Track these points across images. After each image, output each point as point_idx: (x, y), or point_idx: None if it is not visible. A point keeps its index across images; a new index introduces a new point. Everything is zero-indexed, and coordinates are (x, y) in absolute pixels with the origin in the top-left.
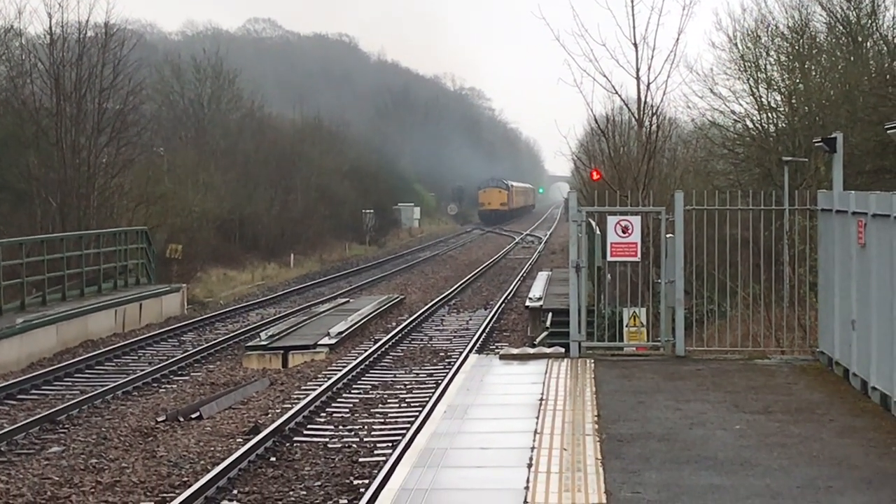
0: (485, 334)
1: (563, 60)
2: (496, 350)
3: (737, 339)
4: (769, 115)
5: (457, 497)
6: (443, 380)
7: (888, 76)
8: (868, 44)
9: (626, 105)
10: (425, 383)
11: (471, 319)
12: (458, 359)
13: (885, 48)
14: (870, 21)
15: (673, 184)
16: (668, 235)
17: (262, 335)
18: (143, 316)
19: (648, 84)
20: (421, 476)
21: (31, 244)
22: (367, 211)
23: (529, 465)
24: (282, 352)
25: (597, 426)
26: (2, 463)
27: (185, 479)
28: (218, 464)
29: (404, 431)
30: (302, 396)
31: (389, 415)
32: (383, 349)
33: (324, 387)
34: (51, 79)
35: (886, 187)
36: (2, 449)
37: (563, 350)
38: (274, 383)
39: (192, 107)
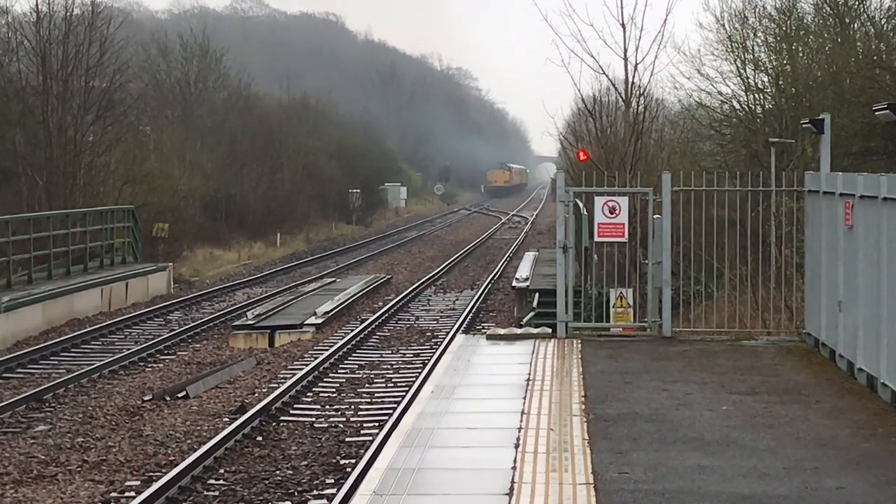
0: (471, 314)
1: (550, 40)
2: (483, 330)
3: (723, 320)
4: (756, 96)
5: (444, 477)
6: (430, 360)
7: (875, 58)
8: (855, 25)
9: (614, 85)
10: (412, 363)
11: (457, 299)
12: (444, 339)
13: (873, 30)
14: (857, 2)
15: (660, 164)
16: (655, 216)
17: (249, 314)
18: (129, 295)
19: (636, 65)
20: (408, 456)
21: (17, 222)
22: (354, 190)
23: (516, 446)
24: (268, 331)
25: (584, 406)
26: None
27: (172, 458)
28: (204, 443)
29: (391, 411)
30: (288, 376)
31: (376, 395)
32: (370, 329)
33: (310, 366)
34: (37, 57)
35: (873, 169)
36: None
37: (549, 330)
38: (260, 363)
39: (179, 85)
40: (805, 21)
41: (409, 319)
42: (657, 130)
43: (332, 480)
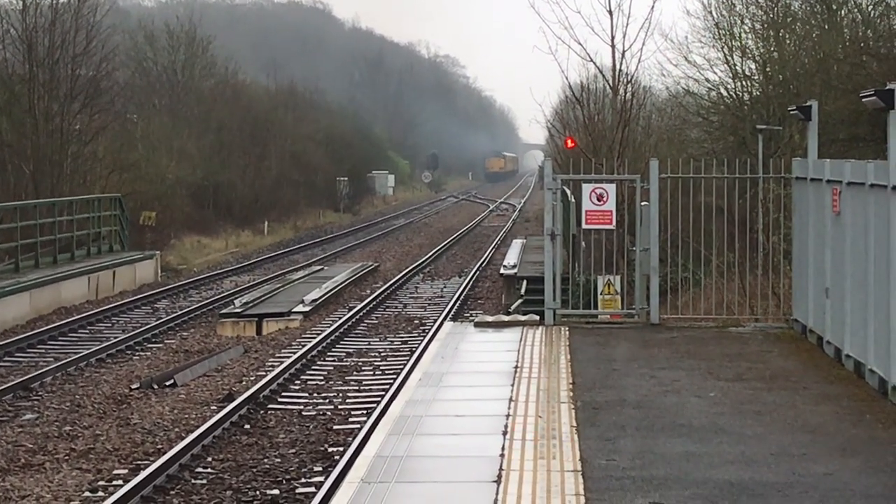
0: (459, 302)
1: (538, 28)
2: (471, 318)
3: (711, 307)
4: (743, 83)
5: (432, 464)
6: (417, 347)
7: (862, 44)
8: (842, 12)
9: (601, 73)
10: (400, 351)
11: (445, 287)
12: (432, 326)
13: (860, 16)
14: None
15: (647, 152)
16: (642, 203)
17: (237, 302)
18: (116, 283)
19: (623, 52)
20: (396, 444)
21: (3, 211)
22: (342, 178)
23: (505, 433)
24: (256, 319)
25: (572, 394)
26: None
27: (160, 446)
28: (192, 431)
29: (379, 399)
30: (276, 364)
31: (364, 382)
32: (358, 317)
33: (298, 354)
34: (23, 45)
35: (861, 155)
36: None
37: (537, 318)
38: (248, 351)
39: (166, 73)
40: (792, 8)
41: (397, 307)
42: (644, 118)
43: (321, 468)
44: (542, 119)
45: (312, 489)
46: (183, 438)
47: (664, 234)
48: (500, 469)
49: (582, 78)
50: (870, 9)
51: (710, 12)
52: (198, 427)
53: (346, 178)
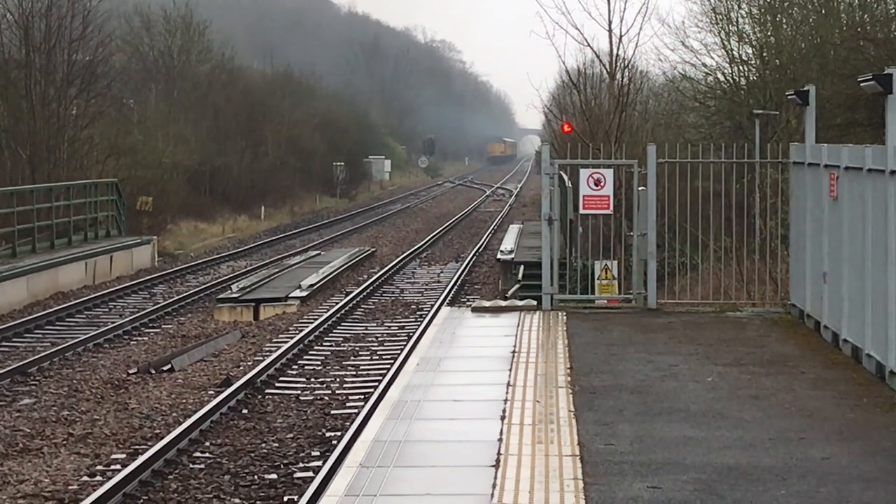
0: (456, 287)
1: (535, 12)
2: (468, 303)
3: (708, 292)
4: (740, 68)
5: (430, 449)
6: (415, 332)
7: (859, 29)
8: None
9: (598, 58)
10: (397, 336)
11: (442, 272)
12: (429, 311)
13: (856, 0)
14: None
15: (644, 137)
16: (640, 188)
17: (234, 287)
18: (113, 268)
19: (620, 37)
20: (394, 428)
21: (0, 196)
22: (338, 164)
23: (502, 418)
24: (253, 304)
25: (569, 378)
26: None
27: (157, 431)
28: (190, 416)
29: (377, 384)
30: (274, 349)
31: (361, 367)
32: (355, 302)
33: (295, 339)
34: (20, 30)
35: (858, 140)
36: None
37: (535, 303)
38: (245, 336)
39: (162, 58)
40: None
41: (394, 292)
42: (642, 103)
43: (318, 453)
44: (538, 104)
45: (311, 473)
46: (181, 423)
47: (661, 219)
48: (499, 453)
49: (579, 63)
50: None
51: None
52: (195, 412)
53: (342, 164)
